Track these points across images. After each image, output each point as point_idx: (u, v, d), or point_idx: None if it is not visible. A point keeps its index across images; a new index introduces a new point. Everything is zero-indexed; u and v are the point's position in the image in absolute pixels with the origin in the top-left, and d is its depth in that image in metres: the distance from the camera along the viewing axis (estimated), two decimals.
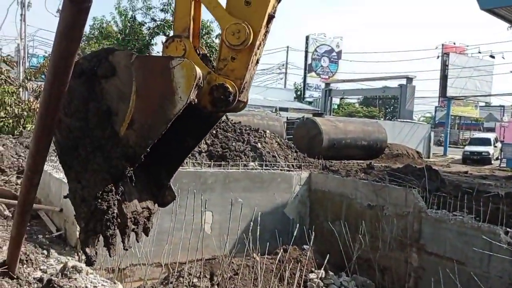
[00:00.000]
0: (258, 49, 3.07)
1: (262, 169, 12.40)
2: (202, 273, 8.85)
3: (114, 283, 5.22)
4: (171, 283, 8.70)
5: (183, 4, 3.11)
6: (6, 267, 4.47)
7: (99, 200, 2.89)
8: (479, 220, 8.87)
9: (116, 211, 3.01)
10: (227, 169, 11.51)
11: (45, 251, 5.95)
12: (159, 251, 9.27)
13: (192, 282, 8.67)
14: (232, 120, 16.38)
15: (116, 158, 2.90)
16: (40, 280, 4.75)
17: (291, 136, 25.04)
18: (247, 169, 11.97)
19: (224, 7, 3.02)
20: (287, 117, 33.38)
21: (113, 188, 2.92)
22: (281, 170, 12.76)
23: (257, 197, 11.68)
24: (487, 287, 8.52)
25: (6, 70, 14.41)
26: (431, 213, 9.71)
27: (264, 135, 17.22)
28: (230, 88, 2.98)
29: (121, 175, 2.93)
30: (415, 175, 11.57)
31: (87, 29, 25.86)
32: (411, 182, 10.79)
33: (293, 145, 18.59)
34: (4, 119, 13.18)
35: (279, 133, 21.05)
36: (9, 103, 13.25)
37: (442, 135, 45.20)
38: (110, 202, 2.93)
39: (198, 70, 2.78)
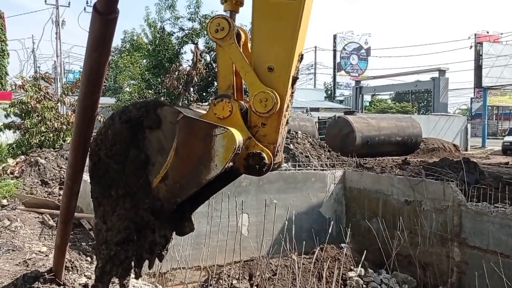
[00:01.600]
0: (286, 111, 3.10)
1: (295, 170, 12.41)
2: (241, 275, 8.95)
3: (156, 286, 5.36)
4: (211, 285, 8.84)
5: (225, 63, 3.16)
6: (52, 274, 4.66)
7: (119, 248, 3.01)
8: None
9: (134, 260, 3.11)
10: None
11: (88, 258, 6.16)
12: (197, 255, 9.45)
13: (232, 283, 8.77)
14: None
15: (143, 208, 3.00)
16: (85, 286, 4.92)
17: (324, 136, 24.91)
18: (281, 170, 11.99)
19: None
20: (318, 117, 33.22)
21: (135, 238, 3.03)
22: (314, 169, 12.74)
23: (291, 198, 11.69)
24: None
25: (45, 86, 14.97)
26: (471, 206, 9.47)
27: (296, 136, 17.25)
28: (266, 158, 3.00)
29: (145, 227, 3.03)
30: (453, 168, 11.31)
31: (118, 42, 26.60)
32: (449, 175, 10.56)
33: (325, 144, 18.50)
34: (45, 134, 13.71)
35: (311, 133, 20.99)
36: (49, 118, 13.78)
37: (480, 126, 43.87)
38: (129, 253, 3.04)
39: (238, 141, 2.84)
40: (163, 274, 9.32)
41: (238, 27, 3.15)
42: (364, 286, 9.81)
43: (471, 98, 63.76)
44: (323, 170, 12.95)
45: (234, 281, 8.92)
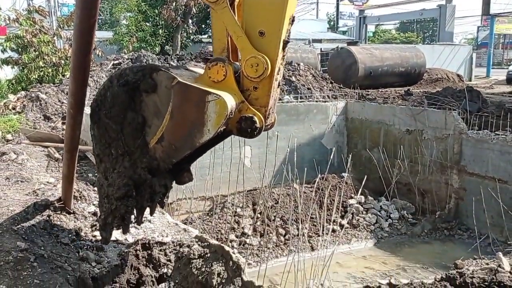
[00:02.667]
0: (277, 74, 3.16)
1: (297, 102, 12.38)
2: (244, 203, 9.22)
3: (163, 213, 5.54)
4: (216, 213, 9.15)
5: (218, 26, 3.17)
6: (62, 202, 4.81)
7: (120, 203, 3.24)
8: None
9: (133, 213, 3.37)
10: None
11: (96, 188, 6.32)
12: (202, 185, 9.68)
13: (236, 211, 9.08)
14: None
15: (141, 167, 3.19)
16: (95, 214, 5.09)
17: (326, 68, 24.54)
18: (282, 102, 11.97)
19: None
20: (321, 49, 32.52)
21: (133, 194, 3.23)
22: (316, 101, 12.70)
23: (293, 129, 11.76)
24: None
25: (40, 19, 14.57)
26: (472, 134, 9.54)
27: (298, 68, 17.00)
28: (258, 122, 3.13)
29: (143, 183, 3.22)
30: (455, 97, 11.27)
31: None
32: (451, 104, 10.53)
33: (328, 76, 18.29)
34: (43, 69, 13.52)
35: (313, 65, 20.65)
36: (46, 53, 13.53)
37: (485, 56, 43.04)
38: (129, 208, 3.27)
39: (231, 107, 2.92)
40: (170, 204, 9.60)
41: None
42: (364, 212, 10.13)
43: (478, 27, 61.93)
44: (325, 101, 12.91)
45: (238, 209, 9.22)
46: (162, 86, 3.02)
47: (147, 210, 3.58)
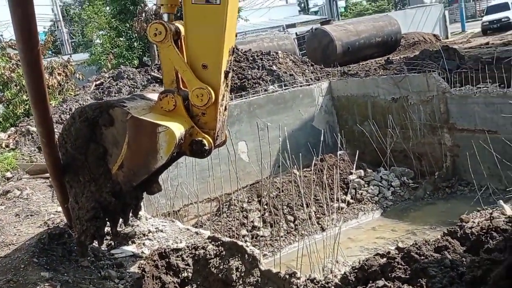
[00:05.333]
0: (222, 100, 3.55)
1: (282, 90, 12.53)
2: (249, 198, 9.41)
3: (173, 221, 5.71)
4: (224, 212, 9.33)
5: (166, 61, 3.51)
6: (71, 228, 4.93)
7: (89, 224, 3.61)
8: (504, 87, 8.90)
9: (104, 231, 3.81)
10: (249, 97, 11.71)
11: None
12: (205, 188, 9.84)
13: (242, 207, 9.26)
14: (242, 49, 16.28)
15: (105, 191, 3.56)
16: (107, 234, 5.25)
17: (305, 51, 24.65)
18: (268, 93, 12.13)
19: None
20: (296, 33, 32.57)
21: (101, 215, 3.60)
22: (300, 86, 12.85)
23: (284, 118, 11.93)
24: None
25: (15, 54, 14.57)
26: (456, 91, 9.77)
27: (277, 57, 17.10)
28: (207, 144, 3.53)
29: (108, 206, 3.58)
30: (433, 59, 11.47)
31: None
32: (430, 66, 10.74)
33: (308, 59, 18.41)
34: (27, 101, 13.59)
35: (291, 50, 20.78)
36: None
37: (458, 11, 43.22)
38: (99, 227, 3.66)
39: (180, 135, 3.32)
40: (177, 212, 9.75)
41: (178, 23, 3.50)
42: (366, 185, 10.36)
43: None
44: (309, 85, 13.07)
45: (245, 205, 9.40)
46: (118, 120, 3.39)
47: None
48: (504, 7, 32.35)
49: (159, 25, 3.39)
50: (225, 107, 3.70)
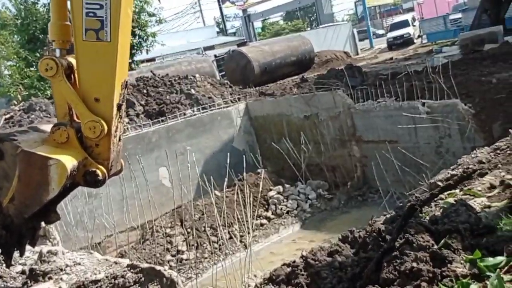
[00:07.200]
0: (116, 131, 3.65)
1: (200, 113, 12.80)
2: (172, 223, 9.51)
3: (91, 253, 5.70)
4: (148, 239, 9.34)
5: (59, 95, 3.58)
6: None
7: None
8: (400, 100, 9.83)
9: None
10: (167, 123, 11.84)
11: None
12: (128, 217, 9.77)
13: (166, 232, 9.33)
14: (159, 74, 16.41)
15: None
16: (23, 272, 5.15)
17: (224, 73, 25.20)
18: (186, 117, 12.35)
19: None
20: (215, 55, 33.15)
21: None
22: (218, 108, 13.20)
23: (204, 141, 12.19)
24: (420, 155, 9.68)
25: None
26: (359, 106, 10.60)
27: (195, 80, 17.41)
28: (100, 175, 3.59)
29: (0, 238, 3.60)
30: (339, 76, 12.35)
31: None
32: (336, 84, 11.57)
33: (226, 81, 18.88)
34: None
35: (210, 73, 21.18)
36: None
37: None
38: None
39: (71, 167, 3.38)
40: (99, 244, 9.60)
41: (71, 57, 3.58)
42: (285, 200, 10.85)
43: (355, 2, 66.21)
44: (227, 107, 13.46)
45: (168, 230, 9.48)
46: (8, 154, 3.40)
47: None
48: (404, 24, 35.28)
49: (50, 60, 3.46)
50: (119, 137, 3.79)
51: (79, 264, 5.33)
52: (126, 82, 3.64)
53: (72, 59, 3.60)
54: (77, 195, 8.93)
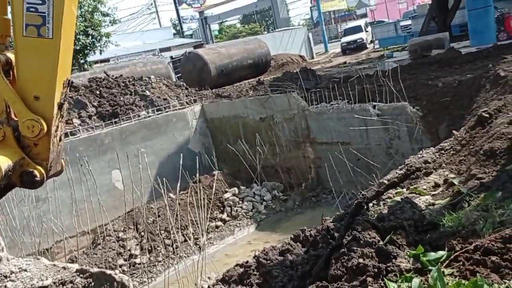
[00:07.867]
0: (56, 131, 3.52)
1: (155, 115, 12.62)
2: (125, 226, 9.31)
3: (38, 258, 5.50)
4: (99, 244, 9.09)
5: None
6: None
7: None
8: (352, 103, 10.08)
9: None
10: (120, 125, 11.59)
11: None
12: (79, 221, 9.48)
13: (119, 236, 9.12)
14: (113, 75, 16.04)
15: None
16: None
17: (180, 75, 24.95)
18: (140, 119, 12.14)
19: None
20: (171, 56, 32.77)
21: None
22: (173, 110, 13.06)
23: (158, 143, 12.02)
24: (371, 156, 9.96)
25: None
26: (313, 108, 10.78)
27: (150, 81, 17.14)
28: (38, 176, 3.47)
29: None
30: (294, 79, 12.51)
31: None
32: (291, 86, 11.71)
33: (183, 83, 18.69)
34: None
35: (165, 75, 20.91)
36: None
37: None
38: None
39: (7, 167, 3.28)
40: (49, 249, 9.25)
41: (10, 53, 3.45)
42: (240, 202, 10.86)
43: (310, 7, 67.27)
44: (182, 108, 13.34)
45: (121, 234, 9.27)
46: None
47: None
48: (357, 29, 36.24)
49: None
50: (60, 137, 3.68)
51: (25, 270, 5.12)
52: (69, 81, 3.52)
53: (11, 55, 3.46)
54: (23, 199, 8.58)
